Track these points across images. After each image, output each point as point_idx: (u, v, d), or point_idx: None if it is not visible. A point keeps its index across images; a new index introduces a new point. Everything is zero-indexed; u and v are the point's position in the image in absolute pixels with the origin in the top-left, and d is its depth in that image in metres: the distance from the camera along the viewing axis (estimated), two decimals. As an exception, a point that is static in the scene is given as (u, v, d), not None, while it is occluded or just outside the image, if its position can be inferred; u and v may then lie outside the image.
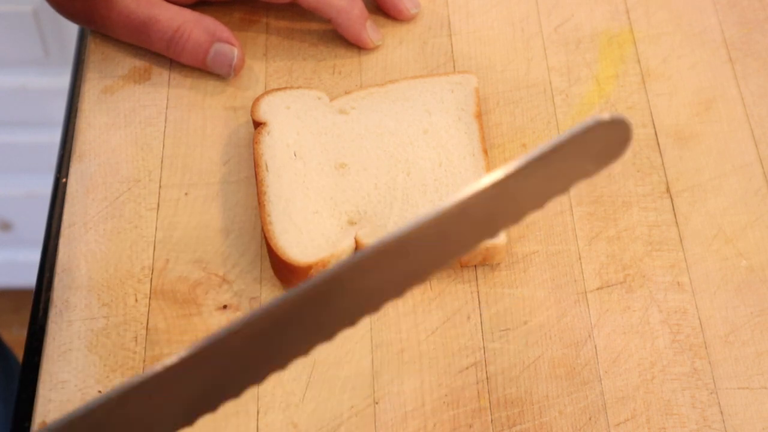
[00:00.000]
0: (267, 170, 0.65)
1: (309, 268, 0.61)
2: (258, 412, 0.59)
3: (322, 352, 0.61)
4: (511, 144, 0.69)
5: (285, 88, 0.69)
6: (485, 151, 0.66)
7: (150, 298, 0.63)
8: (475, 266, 0.64)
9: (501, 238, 0.63)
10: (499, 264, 0.64)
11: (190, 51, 0.70)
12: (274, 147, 0.66)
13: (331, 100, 0.69)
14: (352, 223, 0.64)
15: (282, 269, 0.62)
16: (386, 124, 0.67)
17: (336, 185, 0.65)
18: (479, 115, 0.68)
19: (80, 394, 0.59)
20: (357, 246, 0.63)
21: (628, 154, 0.68)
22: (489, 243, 0.62)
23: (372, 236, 0.63)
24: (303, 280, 0.61)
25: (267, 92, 0.69)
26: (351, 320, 0.47)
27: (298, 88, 0.69)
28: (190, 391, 0.46)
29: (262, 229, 0.63)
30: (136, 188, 0.67)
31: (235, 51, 0.70)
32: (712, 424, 0.59)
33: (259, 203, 0.64)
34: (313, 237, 0.63)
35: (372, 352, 0.61)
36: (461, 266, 0.63)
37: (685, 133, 0.69)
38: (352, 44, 0.72)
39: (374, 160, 0.66)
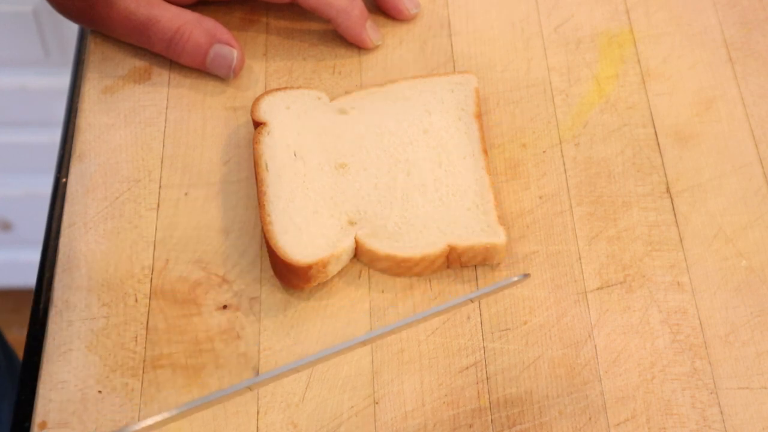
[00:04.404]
0: (267, 170, 0.65)
1: (309, 268, 0.61)
2: (258, 412, 0.59)
3: (322, 352, 0.61)
4: (511, 144, 0.69)
5: (285, 88, 0.69)
6: (485, 151, 0.66)
7: (150, 298, 0.63)
8: (476, 266, 0.64)
9: (501, 238, 0.63)
10: (499, 264, 0.64)
11: (189, 52, 0.70)
12: (274, 147, 0.66)
13: (331, 100, 0.69)
14: (352, 223, 0.64)
15: (282, 269, 0.62)
16: (386, 124, 0.67)
17: (336, 185, 0.65)
18: (479, 115, 0.68)
19: (80, 394, 0.59)
20: (360, 247, 0.63)
21: (629, 154, 0.68)
22: (489, 243, 0.62)
23: (372, 236, 0.63)
24: (302, 279, 0.61)
25: (267, 92, 0.69)
26: None
27: (298, 88, 0.69)
28: None
29: (262, 229, 0.63)
30: (136, 188, 0.67)
31: (235, 53, 0.70)
32: (712, 424, 0.59)
33: (259, 203, 0.64)
34: (313, 237, 0.63)
35: (372, 352, 0.61)
36: (461, 266, 0.63)
37: (685, 133, 0.69)
38: (352, 44, 0.73)
39: (374, 160, 0.66)
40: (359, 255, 0.64)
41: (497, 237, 0.63)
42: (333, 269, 0.63)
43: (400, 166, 0.66)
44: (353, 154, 0.66)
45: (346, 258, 0.63)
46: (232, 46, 0.70)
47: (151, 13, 0.70)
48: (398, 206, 0.64)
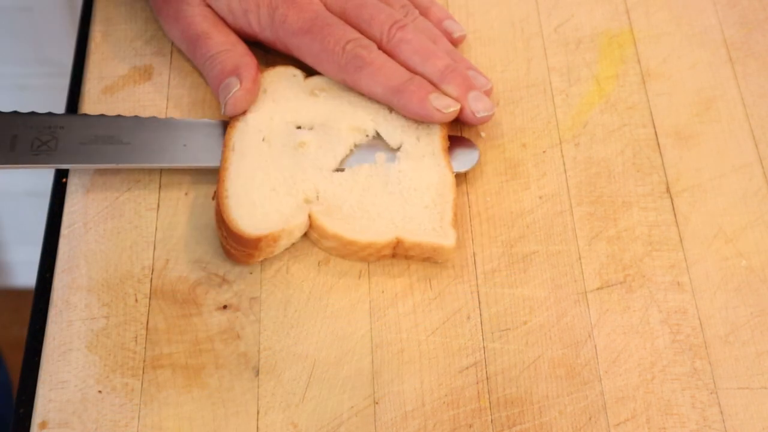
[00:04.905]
0: (233, 150, 0.65)
1: (258, 240, 0.61)
2: (258, 412, 0.59)
3: (322, 352, 0.61)
4: (511, 144, 0.69)
5: (262, 69, 0.69)
6: (445, 150, 0.66)
7: (150, 298, 0.63)
8: (476, 266, 0.64)
9: (450, 241, 0.62)
10: (499, 265, 0.64)
11: (213, 76, 0.68)
12: (245, 132, 0.67)
13: (305, 78, 0.70)
14: (308, 201, 0.64)
15: (231, 242, 0.62)
16: (356, 109, 0.68)
17: (297, 164, 0.65)
18: None
19: (80, 394, 0.59)
20: (311, 222, 0.63)
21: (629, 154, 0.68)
22: (437, 243, 0.62)
23: (325, 214, 0.63)
24: (248, 253, 0.61)
25: None
26: None
27: (274, 67, 0.70)
28: None
29: (216, 203, 0.63)
30: (136, 188, 0.67)
31: (237, 87, 0.67)
32: (712, 424, 0.59)
33: (219, 179, 0.64)
34: (267, 212, 0.63)
35: (372, 352, 0.61)
36: (406, 258, 0.63)
37: (685, 133, 0.69)
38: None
39: (339, 144, 0.66)
40: (309, 231, 0.64)
41: (446, 239, 0.63)
42: (284, 244, 0.63)
43: (365, 154, 0.66)
44: (318, 136, 0.67)
45: (298, 234, 0.63)
46: (241, 82, 0.67)
47: (209, 29, 0.69)
48: (357, 191, 0.64)
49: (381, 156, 0.66)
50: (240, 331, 0.61)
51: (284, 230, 0.62)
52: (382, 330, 0.62)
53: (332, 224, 0.63)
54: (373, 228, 0.63)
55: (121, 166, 0.65)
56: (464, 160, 0.67)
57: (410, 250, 0.63)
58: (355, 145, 0.67)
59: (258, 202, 0.63)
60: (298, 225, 0.63)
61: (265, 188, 0.64)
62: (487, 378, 0.60)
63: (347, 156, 0.66)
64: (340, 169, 0.66)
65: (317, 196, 0.64)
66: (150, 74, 0.72)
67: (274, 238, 0.62)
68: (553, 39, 0.74)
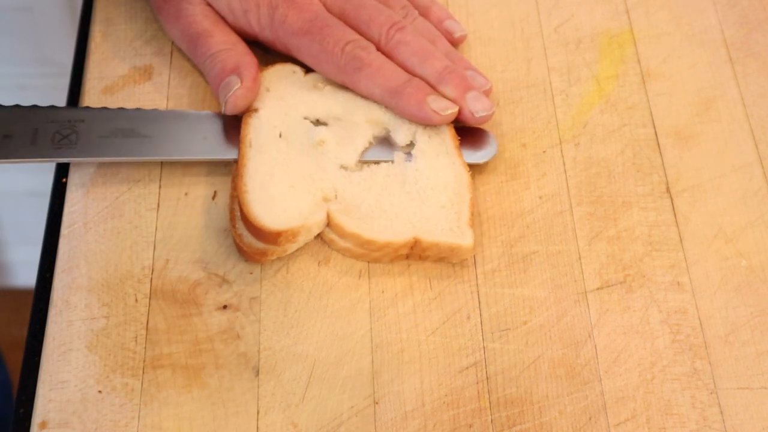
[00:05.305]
0: (250, 146, 0.65)
1: (278, 234, 0.61)
2: (258, 412, 0.59)
3: (322, 352, 0.61)
4: (511, 144, 0.69)
5: (261, 68, 0.69)
6: (458, 148, 0.66)
7: (150, 298, 0.63)
8: (476, 266, 0.64)
9: (468, 241, 0.62)
10: (499, 265, 0.64)
11: (214, 75, 0.68)
12: (260, 127, 0.66)
13: (305, 74, 0.70)
14: (326, 200, 0.64)
15: (250, 236, 0.62)
16: (368, 103, 0.68)
17: (316, 163, 0.65)
18: None
19: (80, 394, 0.59)
20: (329, 221, 0.63)
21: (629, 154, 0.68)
22: (454, 243, 0.62)
23: (344, 213, 0.63)
24: (264, 251, 0.62)
25: None
26: None
27: (273, 65, 0.70)
28: None
29: (234, 198, 0.63)
30: (136, 188, 0.67)
31: (237, 85, 0.67)
32: (712, 424, 0.59)
33: (237, 174, 0.64)
34: (287, 208, 0.63)
35: (372, 352, 0.61)
36: (421, 259, 0.63)
37: (685, 133, 0.69)
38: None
39: (356, 143, 0.66)
40: (324, 231, 0.64)
41: (464, 239, 0.63)
42: (301, 241, 0.63)
43: (382, 151, 0.66)
44: (336, 131, 0.67)
45: (315, 231, 0.63)
46: (242, 81, 0.67)
47: (210, 28, 0.69)
48: (376, 191, 0.64)
49: (399, 155, 0.66)
50: (240, 331, 0.61)
51: (304, 226, 0.62)
52: (382, 330, 0.62)
53: (350, 223, 0.63)
54: (390, 228, 0.63)
55: (141, 159, 0.66)
56: (483, 151, 0.67)
57: (427, 251, 0.63)
58: (374, 137, 0.67)
59: (277, 197, 0.63)
60: (317, 222, 0.63)
61: (284, 184, 0.64)
62: (487, 378, 0.60)
63: (366, 149, 0.66)
64: (361, 163, 0.66)
65: (335, 195, 0.64)
66: (150, 74, 0.72)
67: (293, 233, 0.62)
68: (553, 39, 0.74)
